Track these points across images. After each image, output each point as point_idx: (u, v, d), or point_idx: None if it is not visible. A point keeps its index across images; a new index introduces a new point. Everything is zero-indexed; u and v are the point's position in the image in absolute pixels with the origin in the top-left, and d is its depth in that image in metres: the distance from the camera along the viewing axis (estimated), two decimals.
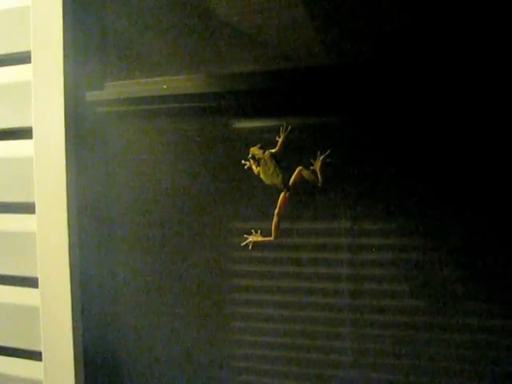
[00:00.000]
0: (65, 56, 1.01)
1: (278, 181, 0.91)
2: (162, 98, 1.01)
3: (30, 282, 1.07)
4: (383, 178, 0.91)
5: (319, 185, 0.90)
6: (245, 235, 0.96)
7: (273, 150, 0.93)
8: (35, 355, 1.08)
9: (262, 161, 0.92)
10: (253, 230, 0.95)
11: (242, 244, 0.96)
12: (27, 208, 1.07)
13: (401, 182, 0.90)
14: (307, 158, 0.92)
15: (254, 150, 0.93)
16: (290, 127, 0.92)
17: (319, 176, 0.90)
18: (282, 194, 0.92)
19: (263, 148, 0.93)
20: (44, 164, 1.04)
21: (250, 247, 0.95)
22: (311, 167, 0.91)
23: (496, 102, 0.83)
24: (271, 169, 0.91)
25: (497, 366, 0.86)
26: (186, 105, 1.01)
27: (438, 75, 0.85)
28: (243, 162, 0.95)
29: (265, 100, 0.96)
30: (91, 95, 1.06)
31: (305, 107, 0.95)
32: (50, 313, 1.04)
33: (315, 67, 0.93)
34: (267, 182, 0.92)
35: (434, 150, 0.88)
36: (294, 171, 0.91)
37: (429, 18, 0.86)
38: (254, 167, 0.94)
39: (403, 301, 0.87)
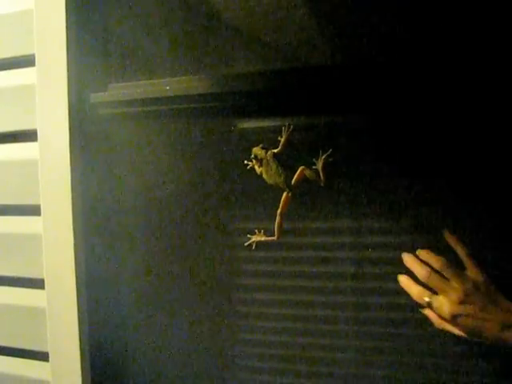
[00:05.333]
0: (68, 58, 1.01)
1: (280, 180, 0.91)
2: (166, 99, 1.01)
3: (37, 284, 1.08)
4: (386, 176, 0.91)
5: (322, 184, 0.90)
6: (248, 235, 0.96)
7: (275, 150, 0.93)
8: (42, 356, 1.08)
9: (264, 161, 0.92)
10: (256, 230, 0.96)
11: (246, 244, 0.96)
12: (33, 210, 1.07)
13: (404, 180, 0.90)
14: (310, 158, 0.92)
15: (257, 151, 0.93)
16: (292, 127, 0.92)
17: (321, 175, 0.90)
18: (284, 194, 0.92)
19: (265, 148, 0.93)
20: (49, 166, 1.04)
21: (253, 247, 0.96)
22: (313, 167, 0.91)
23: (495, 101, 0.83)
24: (273, 169, 0.92)
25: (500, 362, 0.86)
26: (189, 106, 1.01)
27: (440, 74, 0.84)
28: (246, 162, 0.95)
29: (268, 100, 0.96)
30: (95, 97, 1.05)
31: (307, 107, 0.95)
32: (57, 314, 1.05)
33: (317, 67, 0.93)
34: (270, 181, 0.93)
35: (437, 148, 0.88)
36: (296, 171, 0.91)
37: (432, 17, 0.86)
38: (256, 167, 0.94)
39: (408, 299, 0.87)
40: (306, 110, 0.95)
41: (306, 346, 0.99)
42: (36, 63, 1.03)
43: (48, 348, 1.06)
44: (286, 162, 0.92)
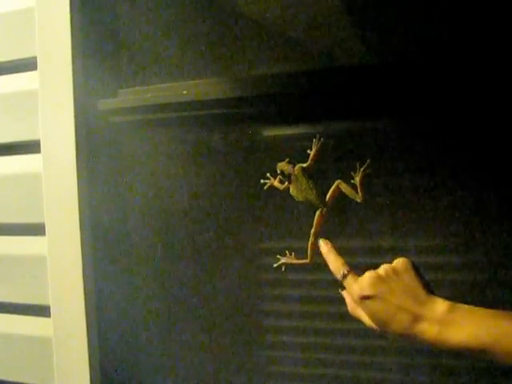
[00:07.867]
0: (74, 61, 0.97)
1: (312, 197, 0.83)
2: (182, 105, 0.96)
3: (42, 311, 1.02)
4: (431, 190, 0.84)
5: (359, 200, 0.81)
6: (278, 256, 0.88)
7: (304, 165, 0.84)
8: None
9: (292, 177, 0.84)
10: (287, 251, 0.87)
11: (275, 265, 0.88)
12: (36, 229, 1.01)
13: (449, 195, 0.83)
14: (346, 171, 0.83)
15: (282, 166, 0.85)
16: (322, 140, 0.84)
17: (359, 190, 0.81)
18: (318, 212, 0.83)
19: (292, 162, 0.85)
20: (54, 180, 0.99)
21: (282, 269, 0.87)
22: (352, 180, 0.82)
23: None
24: (303, 184, 0.83)
25: None
26: (208, 112, 0.95)
27: (490, 75, 0.76)
28: (262, 181, 0.87)
29: (296, 105, 0.90)
30: (104, 104, 1.01)
31: (342, 112, 0.89)
32: (64, 344, 0.99)
33: (352, 67, 0.87)
34: (300, 198, 0.84)
35: (488, 159, 0.80)
36: (328, 185, 0.83)
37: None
38: (276, 184, 0.86)
39: None
40: (340, 116, 0.90)
41: (339, 378, 0.92)
42: (38, 67, 0.98)
43: (55, 383, 1.00)
44: (318, 175, 0.84)
